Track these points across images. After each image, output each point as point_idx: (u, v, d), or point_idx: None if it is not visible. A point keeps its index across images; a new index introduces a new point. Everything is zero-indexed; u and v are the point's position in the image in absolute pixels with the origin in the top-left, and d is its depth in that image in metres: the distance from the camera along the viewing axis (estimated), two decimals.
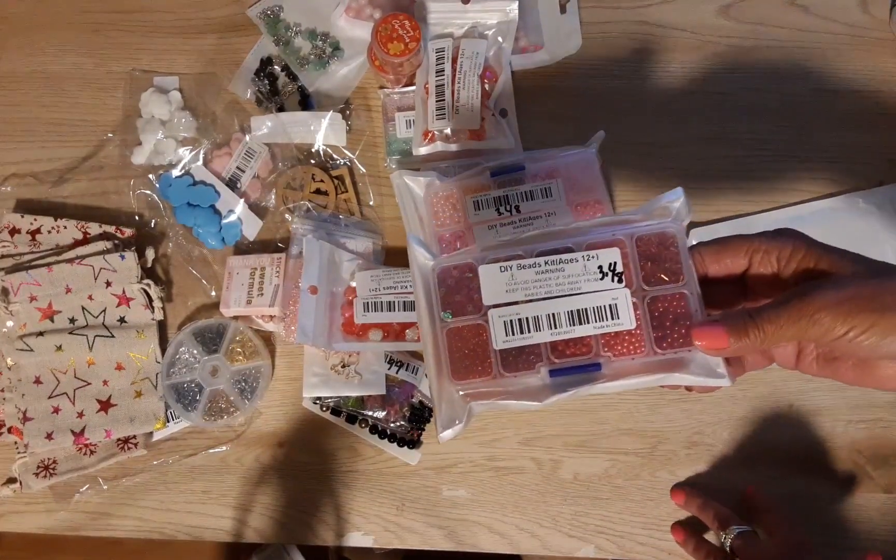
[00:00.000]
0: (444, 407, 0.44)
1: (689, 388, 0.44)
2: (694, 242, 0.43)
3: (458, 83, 0.70)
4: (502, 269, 0.44)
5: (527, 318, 0.43)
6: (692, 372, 0.42)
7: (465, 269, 0.44)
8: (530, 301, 0.43)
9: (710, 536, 0.63)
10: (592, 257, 0.43)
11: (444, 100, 0.70)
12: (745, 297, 0.44)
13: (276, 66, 0.75)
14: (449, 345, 0.43)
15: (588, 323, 0.43)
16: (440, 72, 0.71)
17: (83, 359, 0.65)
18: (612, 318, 0.43)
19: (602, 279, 0.43)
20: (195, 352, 0.66)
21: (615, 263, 0.43)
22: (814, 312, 0.37)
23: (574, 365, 0.43)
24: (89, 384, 0.65)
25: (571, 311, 0.43)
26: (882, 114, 0.75)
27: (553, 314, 0.43)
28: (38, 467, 0.64)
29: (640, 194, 0.72)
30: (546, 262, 0.43)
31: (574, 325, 0.43)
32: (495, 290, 0.43)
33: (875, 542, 0.64)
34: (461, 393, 0.44)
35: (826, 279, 0.39)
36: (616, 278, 0.43)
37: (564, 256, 0.43)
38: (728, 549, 0.59)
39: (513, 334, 0.43)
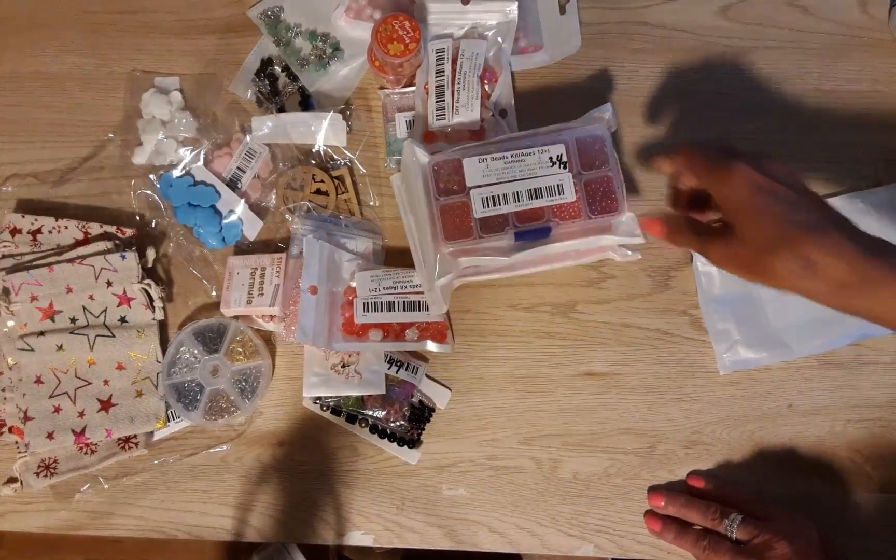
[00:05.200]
0: (439, 263, 0.61)
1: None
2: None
3: (458, 84, 0.70)
4: (480, 160, 0.62)
5: (498, 195, 0.61)
6: (618, 233, 0.63)
7: (453, 162, 0.62)
8: (500, 182, 0.62)
9: None
10: (545, 151, 0.62)
11: (444, 100, 0.70)
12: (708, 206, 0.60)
13: (276, 67, 0.75)
14: (442, 216, 0.61)
15: (542, 198, 0.61)
16: (440, 72, 0.71)
17: (84, 358, 0.65)
18: (559, 194, 0.61)
19: (552, 167, 0.62)
20: (196, 351, 0.66)
21: (561, 155, 0.62)
22: (711, 256, 0.55)
23: (532, 228, 0.61)
24: (90, 384, 0.65)
25: (530, 190, 0.61)
26: (882, 114, 0.75)
27: (517, 191, 0.61)
28: (39, 467, 0.64)
29: (640, 195, 0.72)
30: (512, 155, 0.62)
31: (532, 199, 0.61)
32: (475, 175, 0.62)
33: (874, 541, 0.65)
34: (450, 251, 0.61)
35: (724, 234, 0.53)
36: (562, 166, 0.62)
37: (525, 151, 0.62)
38: (734, 537, 0.59)
39: (488, 207, 0.61)
